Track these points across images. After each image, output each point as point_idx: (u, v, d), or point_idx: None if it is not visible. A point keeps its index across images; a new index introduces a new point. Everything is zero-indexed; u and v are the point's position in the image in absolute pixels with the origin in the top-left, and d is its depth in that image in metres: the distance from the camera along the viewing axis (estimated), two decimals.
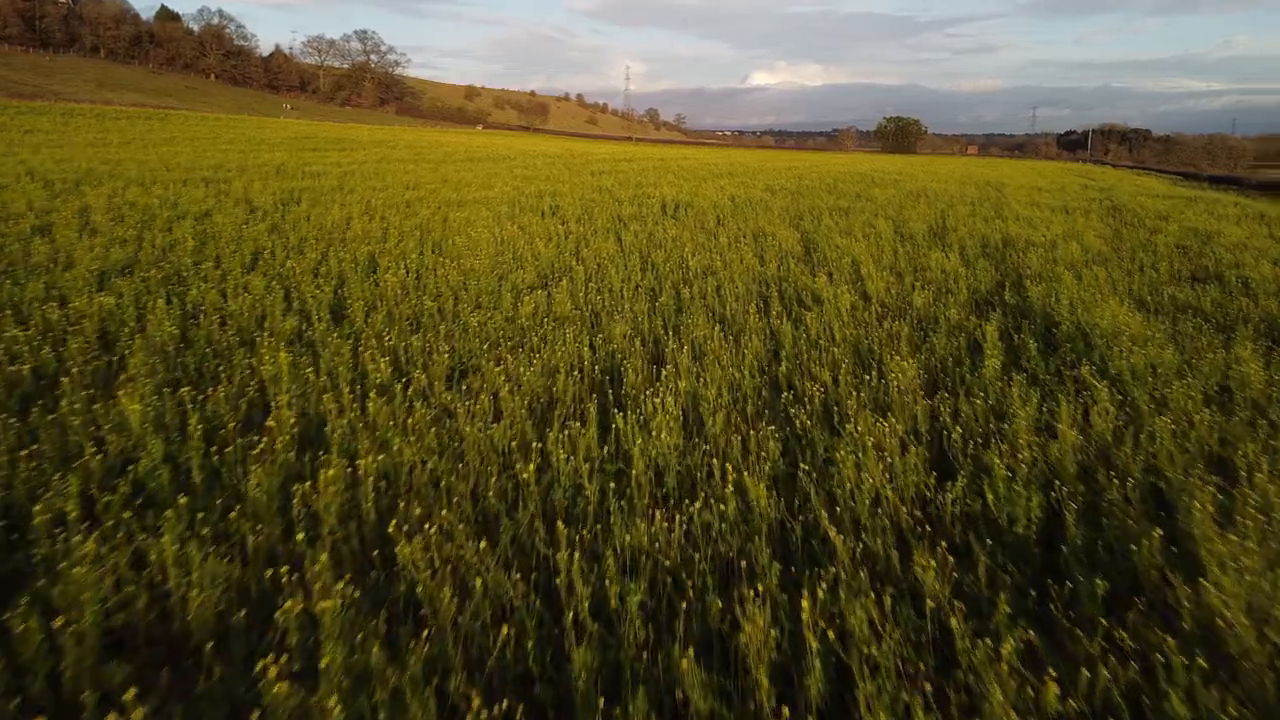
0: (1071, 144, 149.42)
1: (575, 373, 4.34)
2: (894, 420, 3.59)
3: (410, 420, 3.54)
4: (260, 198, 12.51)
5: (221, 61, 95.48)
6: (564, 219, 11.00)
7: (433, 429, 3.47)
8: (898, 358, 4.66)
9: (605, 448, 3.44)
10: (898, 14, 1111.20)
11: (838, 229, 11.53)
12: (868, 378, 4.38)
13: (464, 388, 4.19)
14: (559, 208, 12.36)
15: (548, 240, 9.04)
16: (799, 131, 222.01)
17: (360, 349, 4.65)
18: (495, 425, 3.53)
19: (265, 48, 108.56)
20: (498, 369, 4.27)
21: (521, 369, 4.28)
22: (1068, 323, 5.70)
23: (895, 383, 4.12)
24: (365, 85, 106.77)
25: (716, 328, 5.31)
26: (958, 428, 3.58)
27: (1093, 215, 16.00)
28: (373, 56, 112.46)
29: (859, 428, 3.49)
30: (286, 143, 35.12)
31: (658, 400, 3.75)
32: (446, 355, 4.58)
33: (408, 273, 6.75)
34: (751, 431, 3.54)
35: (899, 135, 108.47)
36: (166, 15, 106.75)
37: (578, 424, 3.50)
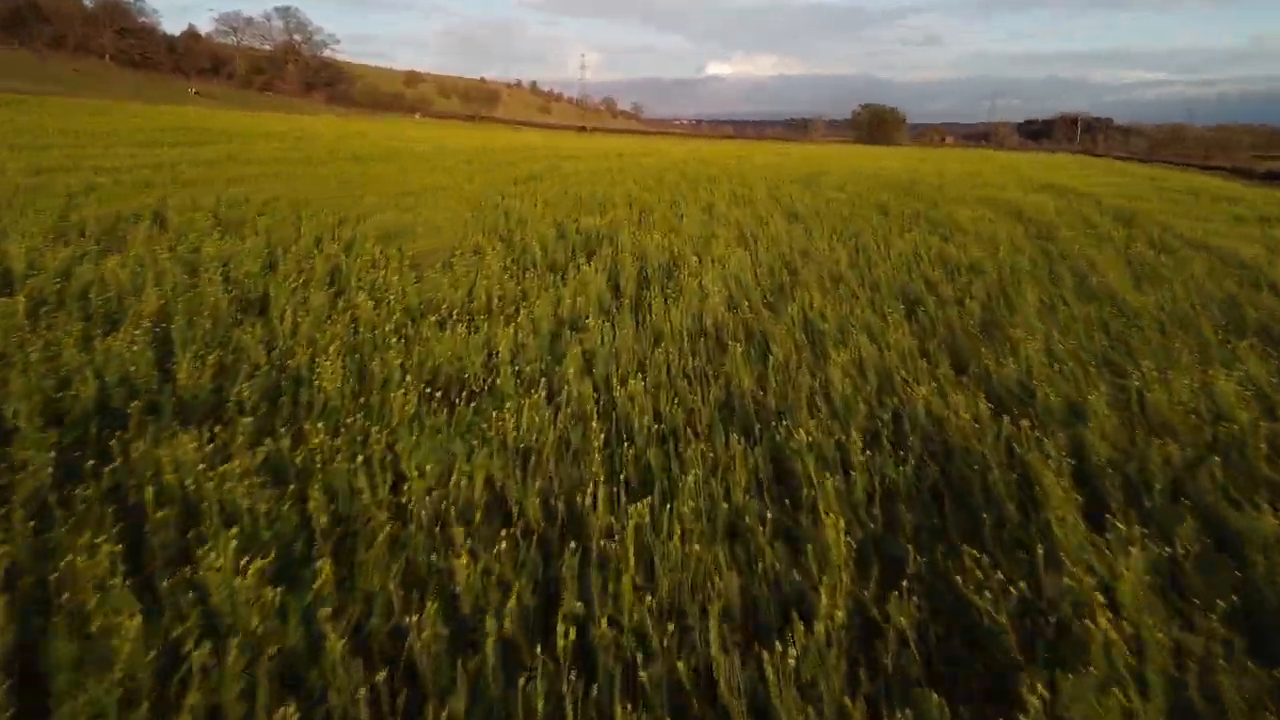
0: (1034, 133, 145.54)
1: None
2: None
3: None
4: None
5: (116, 40, 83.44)
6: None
7: None
8: None
9: None
10: (847, 5, 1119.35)
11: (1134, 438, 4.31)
12: None
13: None
14: (361, 347, 4.92)
15: None
16: (757, 120, 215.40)
17: None
18: None
19: (179, 28, 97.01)
20: None
21: None
22: None
23: None
24: (288, 69, 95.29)
25: None
26: None
27: None
28: (296, 36, 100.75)
29: None
30: (144, 131, 26.62)
31: None
32: None
33: None
34: None
35: (875, 125, 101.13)
36: None
37: None
